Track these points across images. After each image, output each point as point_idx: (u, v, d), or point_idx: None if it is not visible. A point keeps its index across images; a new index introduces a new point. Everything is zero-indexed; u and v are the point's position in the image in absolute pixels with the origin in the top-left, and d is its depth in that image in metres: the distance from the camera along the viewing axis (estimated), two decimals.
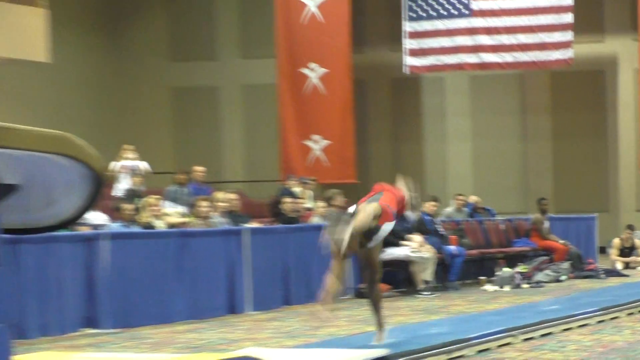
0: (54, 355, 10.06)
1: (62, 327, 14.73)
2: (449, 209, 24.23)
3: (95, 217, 17.31)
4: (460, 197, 25.33)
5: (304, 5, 28.93)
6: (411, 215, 11.18)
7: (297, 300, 18.86)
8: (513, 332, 13.22)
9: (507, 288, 21.30)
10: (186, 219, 19.52)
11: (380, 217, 11.53)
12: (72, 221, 8.44)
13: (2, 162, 7.23)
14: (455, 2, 28.89)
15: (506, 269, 22.36)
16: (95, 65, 31.12)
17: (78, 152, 7.54)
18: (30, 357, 9.10)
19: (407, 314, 16.91)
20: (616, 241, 26.18)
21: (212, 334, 14.83)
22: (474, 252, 23.15)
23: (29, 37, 25.16)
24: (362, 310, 17.80)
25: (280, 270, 18.80)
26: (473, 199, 26.32)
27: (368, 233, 11.41)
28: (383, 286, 20.39)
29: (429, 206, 22.84)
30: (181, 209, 20.72)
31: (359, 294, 20.12)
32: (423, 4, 29.01)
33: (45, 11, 25.49)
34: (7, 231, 7.63)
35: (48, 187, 7.85)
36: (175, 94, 31.71)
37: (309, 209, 22.68)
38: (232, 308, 17.54)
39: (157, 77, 31.58)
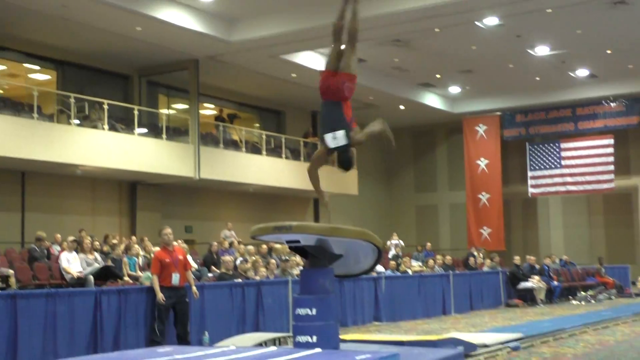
0: (358, 335, 10.06)
1: (362, 320, 14.72)
2: (550, 262, 23.16)
3: (379, 268, 17.31)
4: (553, 256, 24.15)
5: (478, 165, 28.63)
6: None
7: (478, 307, 18.37)
8: (587, 325, 12.60)
9: (583, 303, 20.24)
10: (422, 268, 19.33)
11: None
12: (368, 271, 8.52)
13: (335, 244, 7.37)
14: (553, 160, 28.08)
15: (583, 293, 21.36)
16: (379, 195, 31.28)
17: (371, 238, 7.63)
18: (347, 336, 9.13)
19: (532, 316, 16.18)
20: None
21: (434, 325, 14.54)
22: (565, 284, 22.07)
23: (348, 181, 25.46)
24: (510, 314, 17.20)
25: (469, 292, 18.37)
26: (564, 257, 25.25)
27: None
28: (519, 301, 19.67)
29: (547, 260, 22.33)
30: (420, 263, 20.51)
31: (508, 305, 19.44)
32: (537, 161, 28.27)
33: (355, 170, 25.83)
34: (336, 276, 7.76)
35: (356, 255, 7.95)
36: (416, 210, 31.46)
37: (482, 263, 22.20)
38: (444, 311, 17.18)
39: (408, 201, 31.48)
